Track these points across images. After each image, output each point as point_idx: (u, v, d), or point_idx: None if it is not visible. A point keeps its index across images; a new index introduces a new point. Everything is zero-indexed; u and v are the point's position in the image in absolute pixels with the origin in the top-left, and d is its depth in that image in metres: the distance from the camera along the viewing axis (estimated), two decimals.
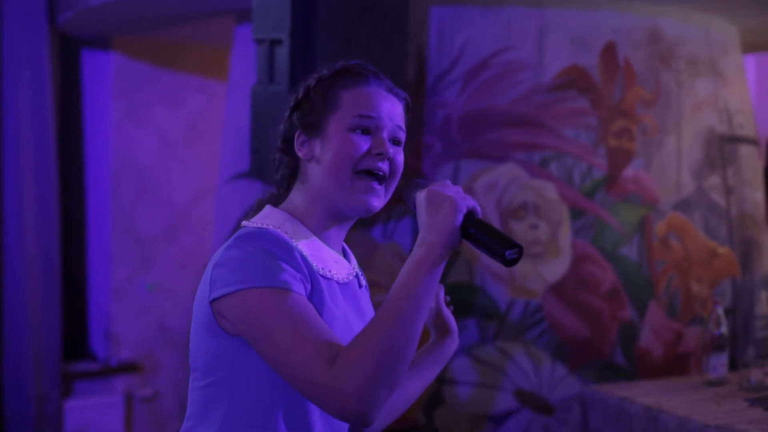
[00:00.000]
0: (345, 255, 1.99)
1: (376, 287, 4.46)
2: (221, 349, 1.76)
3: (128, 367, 6.03)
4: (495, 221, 4.43)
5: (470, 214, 1.74)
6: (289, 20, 3.57)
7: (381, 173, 1.85)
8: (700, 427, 3.36)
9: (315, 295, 1.78)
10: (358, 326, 1.87)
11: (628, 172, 4.63)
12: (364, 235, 4.48)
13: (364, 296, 2.00)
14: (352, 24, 3.78)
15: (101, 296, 6.10)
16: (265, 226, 1.83)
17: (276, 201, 1.94)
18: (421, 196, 1.77)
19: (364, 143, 1.83)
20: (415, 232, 4.44)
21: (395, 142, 1.88)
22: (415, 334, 1.67)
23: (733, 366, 4.48)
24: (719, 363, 3.92)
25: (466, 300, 4.43)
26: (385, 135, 1.86)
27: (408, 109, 1.93)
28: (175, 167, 6.23)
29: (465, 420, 4.43)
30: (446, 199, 1.72)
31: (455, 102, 4.47)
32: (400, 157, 1.88)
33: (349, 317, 1.87)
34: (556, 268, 4.49)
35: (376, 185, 1.86)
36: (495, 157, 4.46)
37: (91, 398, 5.87)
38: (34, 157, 5.44)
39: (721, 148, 4.98)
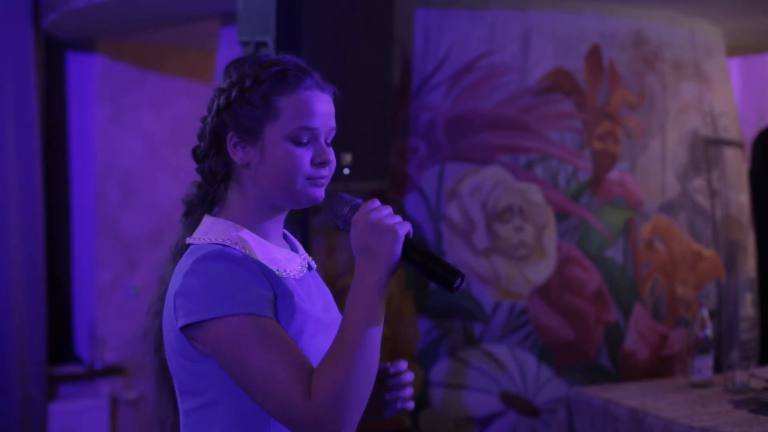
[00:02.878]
0: (288, 241, 2.01)
1: None
2: (206, 370, 1.77)
3: (113, 371, 6.01)
4: (480, 224, 4.43)
5: (407, 239, 1.78)
6: (274, 23, 3.56)
7: (323, 179, 1.89)
8: (685, 429, 3.37)
9: (281, 300, 1.80)
10: (325, 315, 1.89)
11: (613, 174, 4.64)
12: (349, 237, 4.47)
13: (315, 278, 2.00)
14: (337, 27, 3.77)
15: (86, 299, 6.08)
16: (214, 241, 1.82)
17: (210, 201, 1.93)
18: (360, 222, 1.79)
19: (306, 154, 1.85)
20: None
21: (328, 143, 1.91)
22: (377, 355, 1.73)
23: (718, 368, 4.48)
24: (704, 365, 3.92)
25: (452, 303, 4.43)
26: (323, 140, 1.88)
27: (335, 100, 1.94)
28: (161, 170, 6.22)
29: (451, 422, 4.43)
30: (388, 230, 1.75)
31: (440, 105, 4.47)
32: (334, 155, 1.90)
33: (317, 309, 1.88)
34: (542, 270, 4.49)
35: (321, 182, 1.90)
36: (480, 160, 4.47)
37: (76, 401, 5.85)
38: (19, 160, 5.42)
39: (706, 150, 4.99)
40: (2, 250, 5.36)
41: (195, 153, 1.96)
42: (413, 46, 4.50)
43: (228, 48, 4.86)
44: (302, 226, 3.77)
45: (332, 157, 1.89)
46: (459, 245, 4.43)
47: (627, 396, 3.83)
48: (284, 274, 1.85)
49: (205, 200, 1.94)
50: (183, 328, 1.75)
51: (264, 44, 3.58)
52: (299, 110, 1.85)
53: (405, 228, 1.77)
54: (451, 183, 4.45)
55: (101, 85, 6.04)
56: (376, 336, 1.72)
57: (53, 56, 5.99)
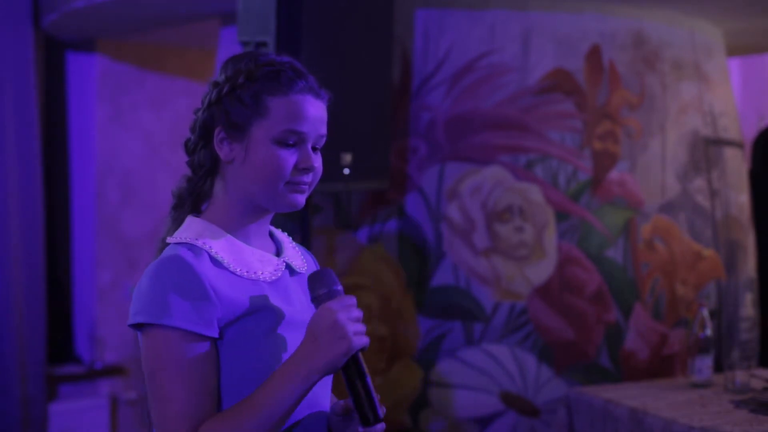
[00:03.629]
0: (274, 241, 2.00)
1: (361, 290, 4.46)
2: None
3: (113, 370, 6.01)
4: (481, 224, 4.43)
5: (357, 354, 1.78)
6: (274, 23, 3.56)
7: (306, 186, 1.88)
8: (685, 429, 3.37)
9: (249, 301, 1.81)
10: (301, 315, 1.88)
11: (613, 174, 4.64)
12: (350, 237, 4.48)
13: (301, 282, 1.97)
14: (337, 27, 3.77)
15: (86, 299, 6.08)
16: (184, 240, 1.83)
17: (197, 195, 1.93)
18: (327, 312, 1.76)
19: (290, 157, 1.84)
20: (401, 237, 4.44)
21: (316, 149, 1.89)
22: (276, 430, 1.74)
23: (718, 368, 4.49)
24: (704, 365, 3.92)
25: (452, 303, 4.43)
26: (310, 146, 1.87)
27: (334, 103, 1.93)
28: (161, 170, 6.22)
29: (451, 422, 4.43)
30: (344, 338, 1.74)
31: (440, 105, 4.47)
32: (320, 162, 1.89)
33: (284, 310, 1.87)
34: (542, 270, 4.49)
35: (302, 188, 1.88)
36: (480, 160, 4.47)
37: (76, 401, 5.85)
38: (19, 160, 5.42)
39: (706, 150, 4.99)
40: (2, 249, 5.36)
41: (186, 145, 1.95)
42: (413, 46, 4.50)
43: (228, 48, 4.86)
44: (302, 226, 3.77)
45: (318, 164, 1.88)
46: (459, 245, 4.43)
47: (627, 396, 3.83)
48: (254, 276, 1.85)
49: (192, 194, 1.93)
50: (131, 326, 1.79)
51: (264, 44, 3.58)
52: (288, 113, 1.84)
53: (361, 342, 1.76)
54: (451, 183, 4.45)
55: (101, 85, 6.03)
56: (279, 412, 1.72)
57: (53, 56, 5.99)
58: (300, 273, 1.98)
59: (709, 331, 3.90)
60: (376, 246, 4.47)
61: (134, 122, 6.13)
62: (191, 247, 1.82)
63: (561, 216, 4.53)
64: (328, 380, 1.98)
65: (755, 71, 6.95)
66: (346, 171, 3.77)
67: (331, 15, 3.75)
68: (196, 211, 1.93)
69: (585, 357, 4.53)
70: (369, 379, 1.79)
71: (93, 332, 6.00)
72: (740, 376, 3.83)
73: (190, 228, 1.87)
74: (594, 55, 4.63)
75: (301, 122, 1.84)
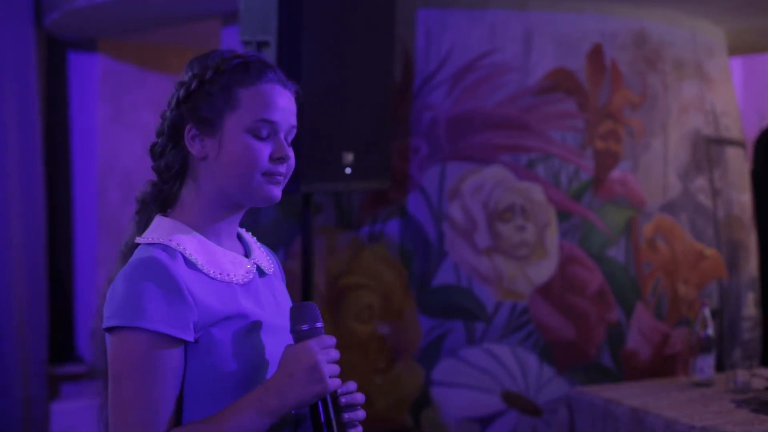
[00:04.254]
0: (242, 242, 1.98)
1: (362, 289, 4.46)
2: None
3: None
4: (482, 223, 4.43)
5: (328, 397, 1.78)
6: (275, 22, 3.56)
7: (281, 177, 1.86)
8: (687, 428, 3.37)
9: (220, 305, 1.79)
10: (273, 319, 1.87)
11: (615, 174, 4.64)
12: (351, 237, 4.48)
13: (269, 284, 1.96)
14: (338, 26, 3.77)
15: (88, 298, 6.08)
16: (157, 240, 1.81)
17: (163, 200, 1.91)
18: (301, 353, 1.76)
19: (264, 148, 1.83)
20: (402, 237, 4.44)
21: (289, 141, 1.89)
22: None
23: (720, 367, 4.49)
24: (706, 364, 3.92)
25: (454, 302, 4.43)
26: (282, 136, 1.86)
27: (298, 99, 1.92)
28: None
29: (452, 422, 4.43)
30: (320, 381, 1.74)
31: (441, 104, 4.47)
32: (293, 153, 1.88)
33: (257, 314, 1.85)
34: (543, 270, 4.49)
35: (278, 179, 1.86)
36: (481, 159, 4.46)
37: (77, 401, 5.85)
38: (21, 159, 5.43)
39: (708, 150, 4.99)
40: (4, 249, 5.37)
41: (152, 150, 1.91)
42: (414, 45, 4.50)
43: (229, 47, 4.85)
44: (303, 226, 3.77)
45: (291, 153, 1.86)
46: (461, 245, 4.43)
47: (628, 395, 3.83)
48: (227, 279, 1.84)
49: (158, 198, 1.90)
50: (105, 330, 1.77)
51: (266, 44, 3.58)
52: (259, 102, 1.83)
53: (335, 385, 1.77)
54: (453, 182, 4.45)
55: (102, 84, 6.04)
56: None
57: (55, 55, 5.99)
58: (268, 274, 1.97)
59: (710, 331, 3.90)
60: (378, 245, 4.47)
61: (135, 122, 6.14)
62: (165, 248, 1.80)
63: (563, 215, 4.53)
64: None
65: (757, 71, 6.95)
66: (348, 170, 3.77)
67: (333, 14, 3.75)
68: (163, 213, 1.89)
69: (586, 356, 4.53)
70: (333, 418, 1.79)
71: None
72: (742, 375, 3.83)
73: (161, 227, 1.84)
74: (596, 54, 4.63)
75: (272, 111, 1.83)
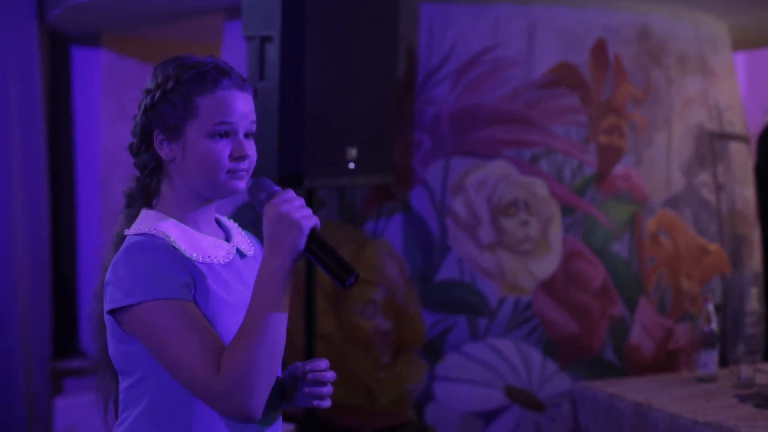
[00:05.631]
0: (222, 228, 2.14)
1: (366, 284, 4.47)
2: (133, 350, 1.94)
3: None
4: (486, 218, 4.43)
5: (312, 233, 1.91)
6: (279, 17, 3.56)
7: (244, 173, 2.01)
8: (690, 423, 3.37)
9: (199, 287, 1.94)
10: (248, 298, 1.98)
11: (618, 169, 4.64)
12: (355, 231, 4.48)
13: (249, 265, 2.12)
14: (342, 21, 3.77)
15: (91, 293, 6.07)
16: (142, 231, 1.98)
17: (147, 194, 2.07)
18: (270, 211, 1.90)
19: (224, 149, 1.98)
20: (405, 231, 4.45)
21: (248, 135, 2.03)
22: (282, 332, 1.88)
23: (723, 362, 4.48)
24: (709, 359, 3.92)
25: (457, 297, 4.44)
26: (241, 135, 2.00)
27: (256, 96, 2.07)
28: None
29: (455, 417, 4.44)
30: (293, 224, 1.88)
31: (445, 99, 4.47)
32: (254, 149, 2.03)
33: (240, 294, 2.01)
34: (547, 265, 4.49)
35: (240, 174, 2.01)
36: (485, 154, 4.46)
37: (81, 396, 5.85)
38: (24, 155, 5.42)
39: (711, 145, 4.99)
40: (7, 244, 5.36)
41: (130, 148, 2.11)
42: (418, 40, 4.50)
43: (233, 42, 4.86)
44: None
45: (251, 151, 2.01)
46: (464, 239, 4.43)
47: (631, 390, 3.83)
48: (208, 260, 2.00)
49: (142, 192, 2.07)
50: (111, 313, 1.93)
51: (269, 38, 3.58)
52: (217, 108, 1.98)
53: (310, 222, 1.90)
54: (456, 177, 4.45)
55: (106, 80, 6.04)
56: (279, 318, 1.87)
57: (58, 51, 5.99)
58: (248, 256, 2.13)
59: (714, 326, 3.90)
60: (381, 240, 4.47)
61: None
62: (151, 237, 1.96)
63: (566, 210, 4.53)
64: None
65: (760, 65, 6.94)
66: (351, 165, 3.77)
67: (336, 9, 3.75)
68: (148, 206, 2.07)
69: (590, 351, 4.53)
70: (332, 247, 1.91)
71: None
72: (745, 370, 3.83)
73: (147, 219, 2.01)
74: (599, 49, 4.63)
75: (230, 115, 1.98)
